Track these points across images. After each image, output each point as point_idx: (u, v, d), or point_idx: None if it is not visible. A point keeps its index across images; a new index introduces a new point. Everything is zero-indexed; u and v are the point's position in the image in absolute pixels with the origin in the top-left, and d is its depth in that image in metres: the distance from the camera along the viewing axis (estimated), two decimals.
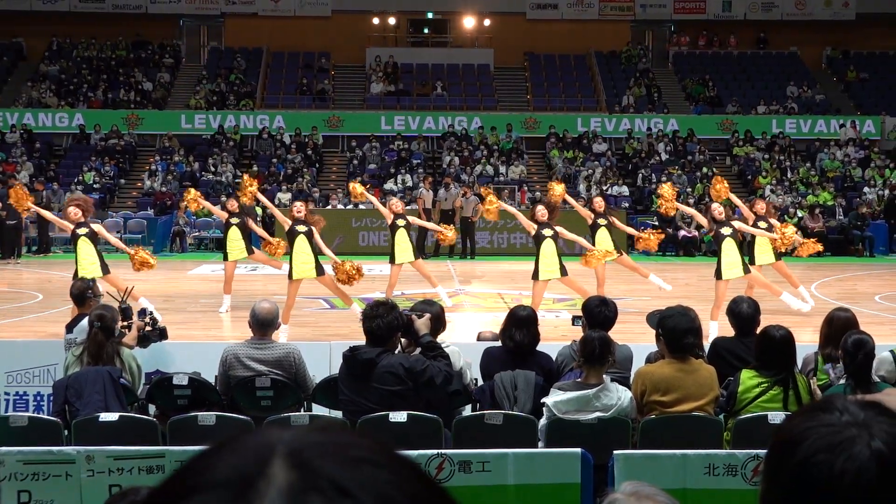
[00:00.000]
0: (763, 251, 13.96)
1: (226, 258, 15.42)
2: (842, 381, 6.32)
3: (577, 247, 16.73)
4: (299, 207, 13.50)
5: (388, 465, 0.91)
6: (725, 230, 13.13)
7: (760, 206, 14.94)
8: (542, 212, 13.91)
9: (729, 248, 13.05)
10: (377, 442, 0.94)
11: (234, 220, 15.39)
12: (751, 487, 5.36)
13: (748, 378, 6.32)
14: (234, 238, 15.31)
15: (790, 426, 1.35)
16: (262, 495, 0.86)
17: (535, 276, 13.59)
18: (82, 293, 8.78)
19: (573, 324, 7.78)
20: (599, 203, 15.68)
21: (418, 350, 6.51)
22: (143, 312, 8.02)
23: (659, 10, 40.73)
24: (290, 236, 13.21)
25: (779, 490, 1.31)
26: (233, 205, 15.62)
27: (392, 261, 14.99)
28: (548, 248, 13.55)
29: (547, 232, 13.64)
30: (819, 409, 1.35)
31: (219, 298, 15.56)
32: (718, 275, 13.07)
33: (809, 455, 1.27)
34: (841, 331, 6.69)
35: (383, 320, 6.29)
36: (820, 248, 15.65)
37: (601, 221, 15.26)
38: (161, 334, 8.02)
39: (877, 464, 1.24)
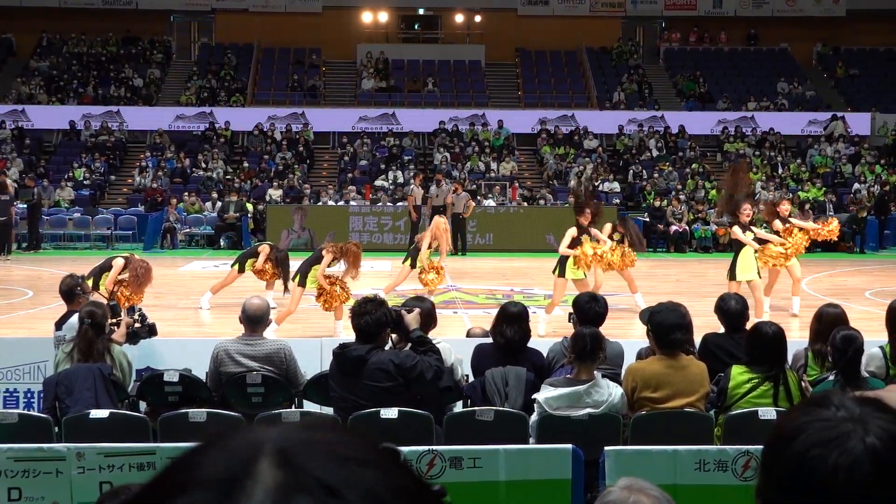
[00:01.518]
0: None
1: (241, 270, 15.01)
2: (831, 377, 6.34)
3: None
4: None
5: (375, 464, 0.91)
6: (748, 235, 13.32)
7: (785, 208, 14.99)
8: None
9: (747, 253, 13.19)
10: (365, 440, 0.94)
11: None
12: (741, 483, 5.37)
13: (739, 374, 6.33)
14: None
15: (786, 421, 1.36)
16: (250, 494, 0.86)
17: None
18: (71, 290, 8.75)
19: (569, 320, 7.77)
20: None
21: (408, 345, 6.51)
22: (132, 310, 8.00)
23: (650, 6, 40.77)
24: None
25: (774, 484, 1.31)
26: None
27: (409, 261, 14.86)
28: None
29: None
30: (815, 405, 1.36)
31: (217, 296, 15.48)
32: (732, 275, 13.25)
33: (804, 449, 1.28)
34: (831, 326, 6.70)
35: (372, 317, 6.28)
36: (835, 234, 15.14)
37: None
38: (150, 331, 8.00)
39: (870, 459, 1.25)
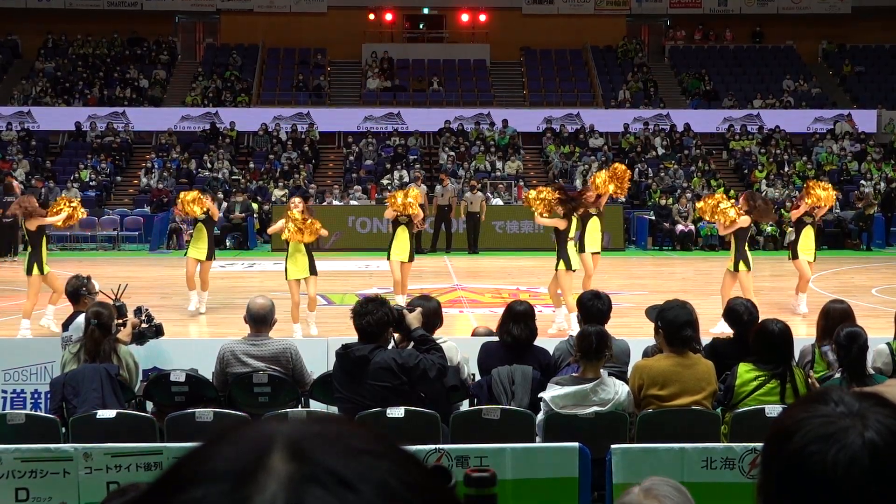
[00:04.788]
0: (806, 247, 14.44)
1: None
2: (837, 375, 6.33)
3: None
4: (297, 203, 13.25)
5: (387, 456, 0.92)
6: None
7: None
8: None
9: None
10: (376, 433, 0.94)
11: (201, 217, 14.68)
12: (748, 481, 5.37)
13: (745, 371, 6.32)
14: (198, 237, 14.65)
15: (786, 417, 1.36)
16: (263, 487, 0.86)
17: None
18: (77, 291, 8.76)
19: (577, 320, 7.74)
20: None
21: (411, 344, 6.50)
22: (139, 310, 8.01)
23: (655, 4, 40.73)
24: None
25: (774, 480, 1.31)
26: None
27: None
28: None
29: None
30: (814, 401, 1.35)
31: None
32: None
33: (803, 445, 1.28)
34: (837, 323, 6.69)
35: (373, 317, 6.28)
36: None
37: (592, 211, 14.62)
38: (157, 331, 8.01)
39: (869, 454, 1.24)
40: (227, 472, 0.88)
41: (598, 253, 14.52)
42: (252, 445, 0.91)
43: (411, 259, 14.48)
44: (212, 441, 0.93)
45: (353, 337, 6.56)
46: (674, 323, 6.22)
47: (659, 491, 2.66)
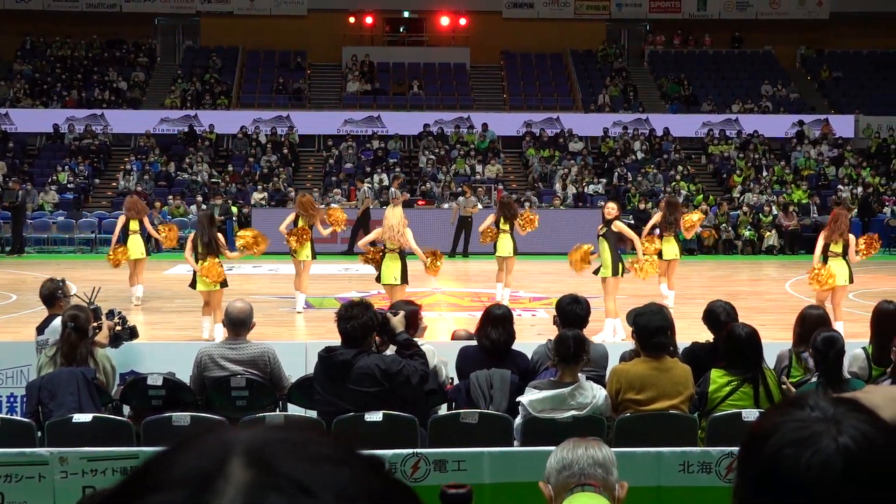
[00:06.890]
0: (840, 272, 13.71)
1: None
2: (814, 380, 6.35)
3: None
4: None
5: (349, 463, 0.91)
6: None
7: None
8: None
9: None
10: (338, 440, 0.93)
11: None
12: (725, 484, 5.38)
13: (718, 377, 6.33)
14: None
15: (761, 422, 1.36)
16: (221, 494, 0.86)
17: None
18: (52, 294, 8.70)
19: (554, 323, 7.76)
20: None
21: (393, 348, 6.48)
22: (111, 313, 7.97)
23: (634, 9, 40.85)
24: None
25: (749, 484, 1.31)
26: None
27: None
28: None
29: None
30: (791, 405, 1.36)
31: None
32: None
33: (777, 449, 1.28)
34: (813, 328, 6.71)
35: (358, 321, 6.26)
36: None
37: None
38: (132, 333, 7.97)
39: (843, 458, 1.25)
40: (187, 478, 0.88)
41: (607, 277, 13.84)
42: (212, 452, 0.90)
43: (405, 280, 13.23)
44: (173, 448, 0.92)
45: (331, 340, 6.54)
46: (646, 328, 6.22)
47: (588, 441, 2.82)
